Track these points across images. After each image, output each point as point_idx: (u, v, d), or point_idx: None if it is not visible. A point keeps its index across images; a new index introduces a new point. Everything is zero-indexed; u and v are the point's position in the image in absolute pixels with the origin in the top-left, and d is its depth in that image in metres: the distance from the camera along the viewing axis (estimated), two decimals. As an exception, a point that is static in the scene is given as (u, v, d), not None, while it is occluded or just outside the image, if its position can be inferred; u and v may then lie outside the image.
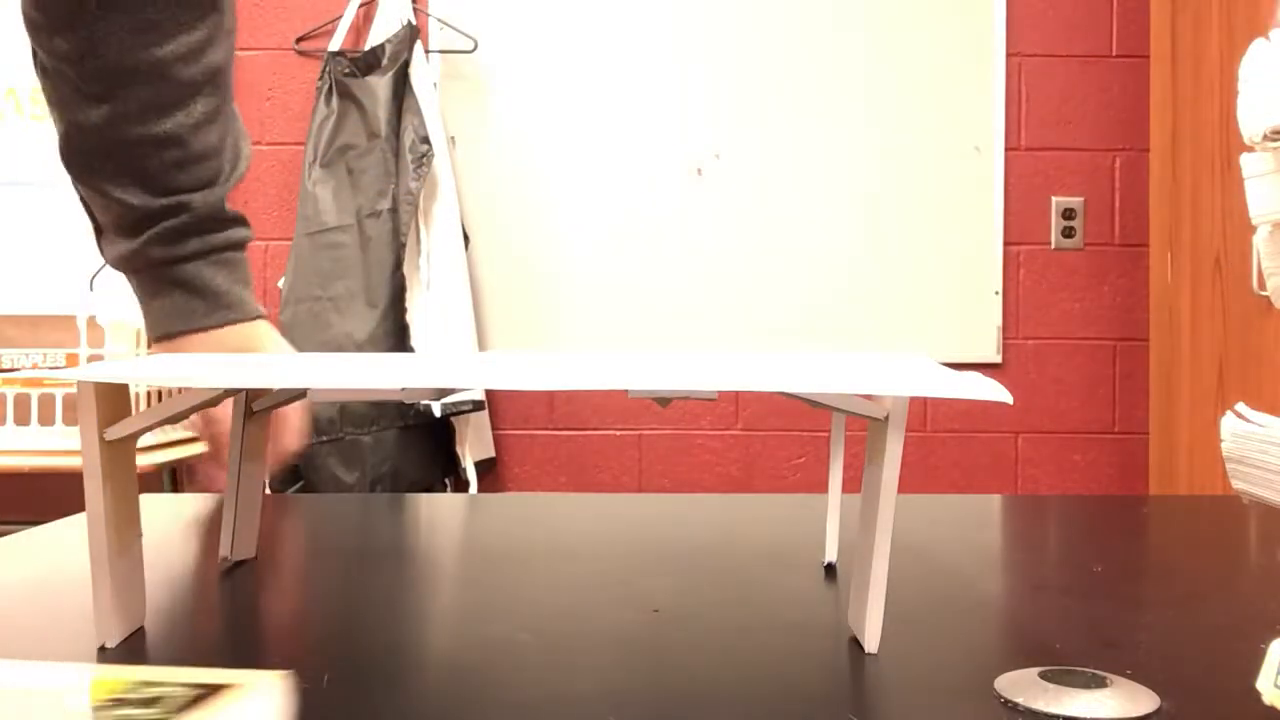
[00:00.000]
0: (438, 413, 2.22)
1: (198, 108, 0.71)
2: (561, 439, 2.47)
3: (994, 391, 0.33)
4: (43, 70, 0.70)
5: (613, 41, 2.43)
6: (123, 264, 0.74)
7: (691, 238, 2.44)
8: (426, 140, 2.25)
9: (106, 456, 0.37)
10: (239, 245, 0.76)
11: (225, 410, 0.74)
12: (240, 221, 0.76)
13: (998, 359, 2.45)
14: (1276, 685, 0.28)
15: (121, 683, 0.27)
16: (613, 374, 0.34)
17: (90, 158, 0.70)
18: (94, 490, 0.37)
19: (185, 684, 0.27)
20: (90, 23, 0.66)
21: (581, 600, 0.43)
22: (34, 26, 0.68)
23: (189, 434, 2.02)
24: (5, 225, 2.43)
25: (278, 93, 2.45)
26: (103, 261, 0.75)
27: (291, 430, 0.77)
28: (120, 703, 0.26)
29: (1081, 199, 2.45)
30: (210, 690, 0.27)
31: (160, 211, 0.71)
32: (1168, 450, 2.23)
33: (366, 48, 2.33)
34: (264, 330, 0.77)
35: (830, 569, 0.48)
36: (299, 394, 0.49)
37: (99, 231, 0.75)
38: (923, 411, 2.45)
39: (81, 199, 0.74)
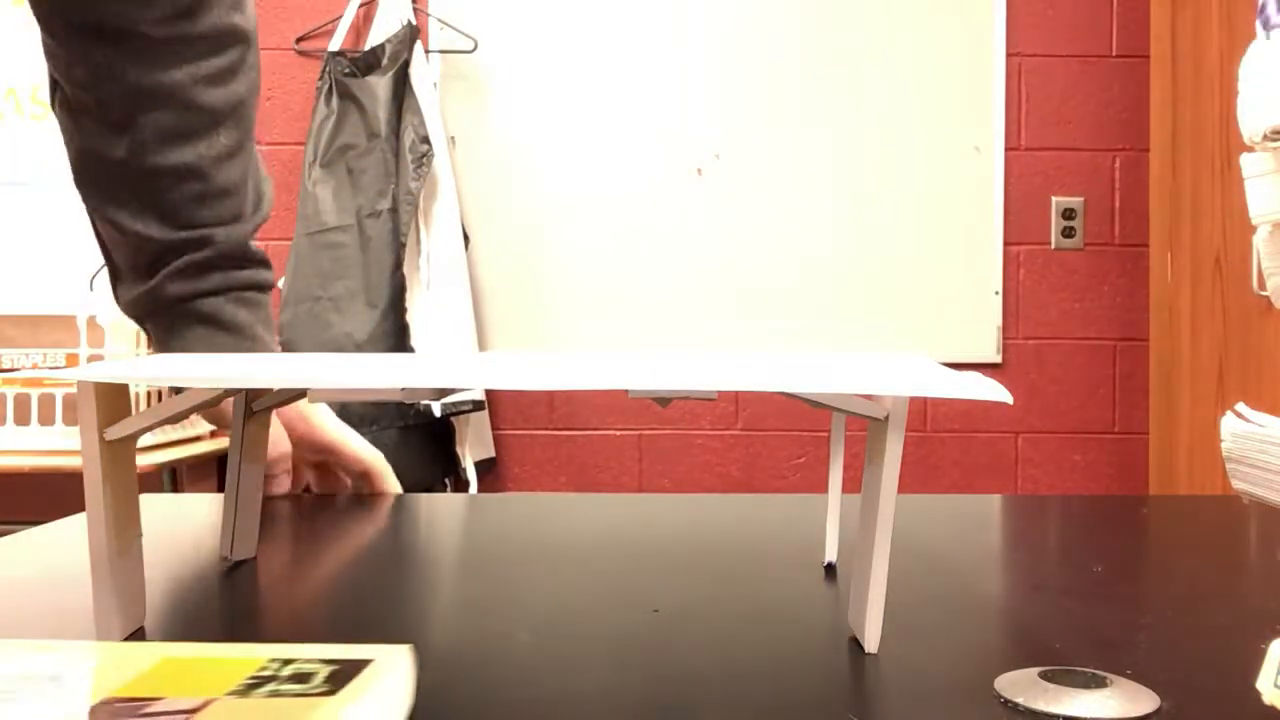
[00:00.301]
0: (438, 413, 2.22)
1: (220, 139, 0.69)
2: (561, 439, 2.47)
3: (994, 391, 0.33)
4: (65, 105, 0.68)
5: (613, 41, 2.43)
6: (139, 306, 0.72)
7: (691, 238, 2.44)
8: (426, 140, 2.25)
9: (106, 456, 0.37)
10: (262, 287, 0.74)
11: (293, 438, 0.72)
12: (265, 264, 0.74)
13: (998, 359, 2.45)
14: (1276, 685, 0.28)
15: (260, 661, 0.27)
16: (613, 374, 0.34)
17: (110, 188, 0.68)
18: (94, 490, 0.37)
19: (320, 659, 0.27)
20: (108, 47, 0.65)
21: (581, 600, 0.43)
22: (52, 56, 0.67)
23: (189, 434, 2.02)
24: (5, 225, 2.43)
25: (278, 93, 2.45)
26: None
27: (386, 479, 0.75)
28: (268, 679, 0.26)
29: (1081, 199, 2.45)
30: (346, 665, 0.27)
31: (181, 244, 0.69)
32: (1168, 450, 2.23)
33: (366, 48, 2.33)
34: None
35: (830, 569, 0.48)
36: (299, 394, 0.49)
37: (115, 276, 0.73)
38: (923, 411, 2.46)
39: (100, 239, 0.72)
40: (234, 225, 0.71)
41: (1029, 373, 2.46)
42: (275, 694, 0.25)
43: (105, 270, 0.75)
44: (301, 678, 0.26)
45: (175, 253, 0.69)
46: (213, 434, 2.09)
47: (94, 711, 0.23)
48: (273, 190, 0.76)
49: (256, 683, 0.25)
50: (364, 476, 0.74)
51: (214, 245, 0.70)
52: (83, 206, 0.71)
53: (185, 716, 0.23)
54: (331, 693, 0.25)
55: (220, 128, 0.69)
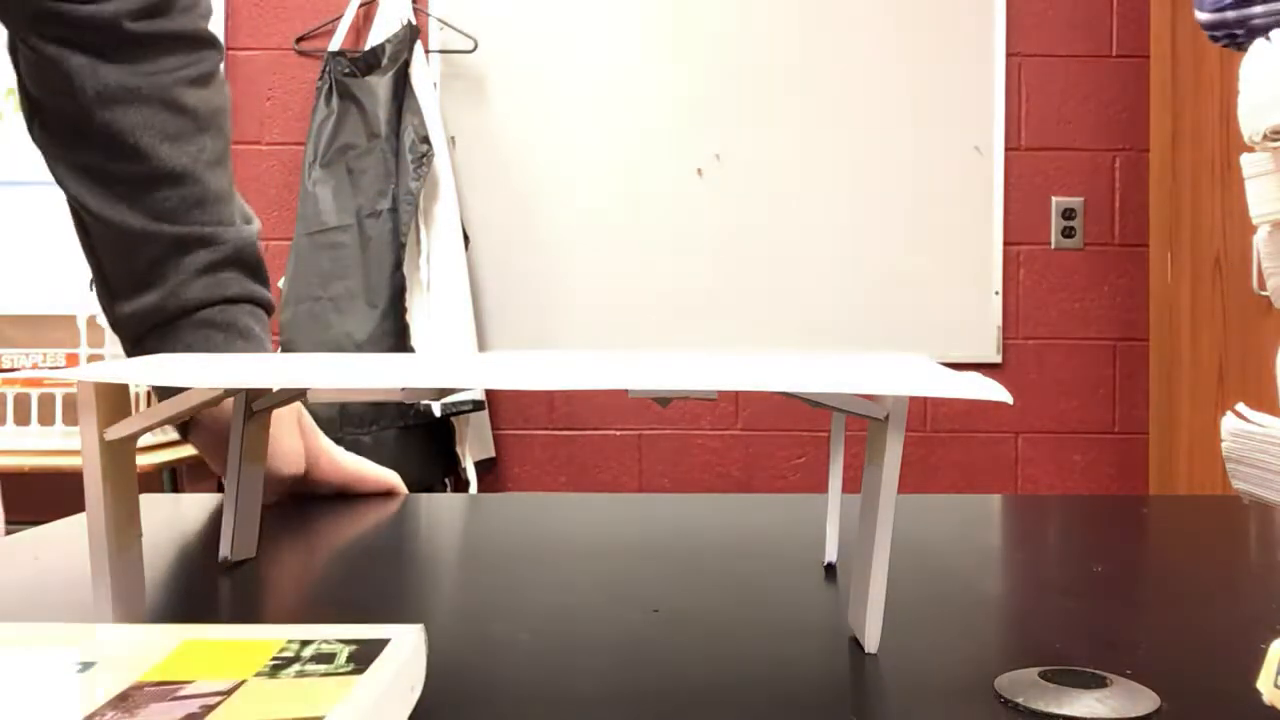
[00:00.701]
0: (438, 413, 2.22)
1: (208, 145, 0.69)
2: (561, 439, 2.47)
3: (994, 391, 0.33)
4: (46, 126, 0.68)
5: (613, 41, 2.43)
6: (149, 318, 0.69)
7: (691, 238, 2.44)
8: (426, 140, 2.25)
9: (106, 456, 0.37)
10: (269, 308, 0.73)
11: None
12: (269, 283, 0.73)
13: (998, 359, 2.45)
14: (1276, 685, 0.28)
15: (279, 642, 0.27)
16: (613, 374, 0.34)
17: (103, 189, 0.67)
18: (94, 490, 0.37)
19: (338, 639, 0.27)
20: (88, 52, 0.65)
21: (581, 600, 0.43)
22: (31, 71, 0.67)
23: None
24: (5, 225, 2.43)
25: (278, 93, 2.45)
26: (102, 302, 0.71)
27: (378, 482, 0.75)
28: (290, 661, 0.26)
29: (1081, 199, 2.45)
30: (364, 645, 0.27)
31: (184, 238, 0.68)
32: (1168, 450, 2.23)
33: (366, 48, 2.33)
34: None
35: (830, 569, 0.48)
36: (299, 393, 0.49)
37: (111, 289, 0.70)
38: (923, 411, 2.46)
39: (90, 250, 0.71)
40: (232, 228, 0.70)
41: (1029, 373, 2.46)
42: (302, 674, 0.25)
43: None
44: (324, 658, 0.26)
45: (188, 247, 0.68)
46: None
47: (128, 696, 0.23)
48: (258, 222, 0.75)
49: (281, 664, 0.26)
50: (388, 494, 0.74)
51: (224, 243, 0.69)
52: (70, 213, 0.70)
53: (220, 699, 0.23)
54: (358, 672, 0.25)
55: (205, 133, 0.69)
